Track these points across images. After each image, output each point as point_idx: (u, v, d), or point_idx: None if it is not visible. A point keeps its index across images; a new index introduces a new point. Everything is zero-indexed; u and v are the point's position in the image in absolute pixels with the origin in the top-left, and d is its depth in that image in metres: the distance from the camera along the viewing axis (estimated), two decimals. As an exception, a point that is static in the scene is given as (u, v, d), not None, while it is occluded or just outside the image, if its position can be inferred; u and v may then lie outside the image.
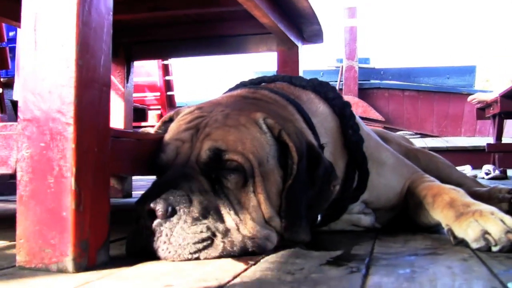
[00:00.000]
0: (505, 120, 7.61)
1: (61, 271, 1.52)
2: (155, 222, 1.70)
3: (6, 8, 3.60)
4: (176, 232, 1.69)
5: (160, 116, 9.17)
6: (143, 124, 8.35)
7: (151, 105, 9.09)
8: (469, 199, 2.16)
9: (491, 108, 7.46)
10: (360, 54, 13.54)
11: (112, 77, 4.66)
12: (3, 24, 5.50)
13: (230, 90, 2.54)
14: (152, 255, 1.71)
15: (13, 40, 7.29)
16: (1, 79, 5.70)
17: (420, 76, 13.85)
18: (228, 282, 1.42)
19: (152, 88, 9.09)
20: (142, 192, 1.83)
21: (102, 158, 1.63)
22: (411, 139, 4.04)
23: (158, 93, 9.10)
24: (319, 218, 2.24)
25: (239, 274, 1.51)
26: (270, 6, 3.47)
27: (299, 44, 4.33)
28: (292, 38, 4.13)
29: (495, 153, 7.54)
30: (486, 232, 1.92)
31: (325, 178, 1.99)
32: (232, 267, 1.62)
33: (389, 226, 2.57)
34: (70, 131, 1.53)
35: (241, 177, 1.85)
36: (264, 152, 1.91)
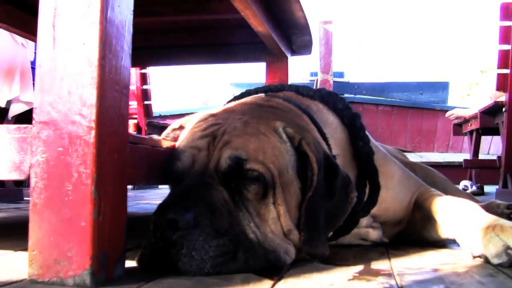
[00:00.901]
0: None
1: (78, 285, 1.41)
2: (177, 234, 1.59)
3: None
4: (198, 245, 1.59)
5: (137, 125, 9.04)
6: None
7: (132, 114, 8.94)
8: (485, 213, 2.11)
9: (469, 124, 7.50)
10: (335, 67, 13.55)
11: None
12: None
13: (236, 98, 2.45)
14: (168, 270, 1.61)
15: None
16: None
17: (394, 91, 13.93)
18: (263, 299, 1.33)
19: (130, 96, 8.94)
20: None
21: (121, 165, 1.53)
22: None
23: (135, 102, 8.96)
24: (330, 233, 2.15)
25: (270, 290, 1.43)
26: (267, 15, 3.41)
27: (288, 54, 4.28)
28: (283, 49, 4.08)
29: (472, 169, 7.58)
30: (508, 248, 1.87)
31: (343, 190, 1.92)
32: (258, 282, 1.53)
33: (396, 240, 2.50)
34: (91, 135, 1.42)
35: (261, 188, 1.76)
36: (284, 162, 1.83)
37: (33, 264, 1.46)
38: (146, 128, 9.16)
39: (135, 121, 9.07)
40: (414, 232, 2.48)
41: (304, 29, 3.98)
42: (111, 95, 1.48)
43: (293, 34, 4.14)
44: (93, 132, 1.42)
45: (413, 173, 2.88)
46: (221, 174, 1.77)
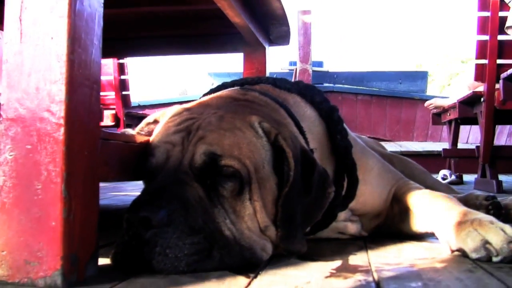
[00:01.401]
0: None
1: (49, 286, 1.37)
2: (150, 232, 1.56)
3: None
4: (172, 243, 1.56)
5: (115, 116, 8.93)
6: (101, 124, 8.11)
7: (109, 105, 8.84)
8: (464, 207, 2.10)
9: (448, 114, 7.52)
10: (314, 57, 13.53)
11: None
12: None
13: (213, 91, 2.42)
14: (143, 268, 1.57)
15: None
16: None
17: (373, 81, 13.97)
18: (238, 299, 1.31)
19: (107, 87, 8.84)
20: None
21: (92, 162, 1.49)
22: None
23: (113, 92, 8.86)
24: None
25: (245, 290, 1.40)
26: (242, 6, 3.37)
27: (266, 45, 4.24)
28: (260, 39, 4.03)
29: (451, 158, 7.61)
30: (486, 242, 1.85)
31: (320, 185, 1.90)
32: (234, 280, 1.51)
33: (375, 234, 2.49)
34: (60, 132, 1.38)
35: (237, 184, 1.73)
36: (260, 158, 1.80)
37: (3, 265, 1.42)
38: (124, 118, 9.08)
39: (113, 111, 8.98)
40: (393, 225, 2.46)
41: (281, 19, 3.95)
42: (81, 91, 1.44)
43: (271, 25, 4.10)
44: (62, 129, 1.38)
45: (391, 166, 2.87)
46: (196, 170, 1.73)
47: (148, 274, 1.55)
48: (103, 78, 8.87)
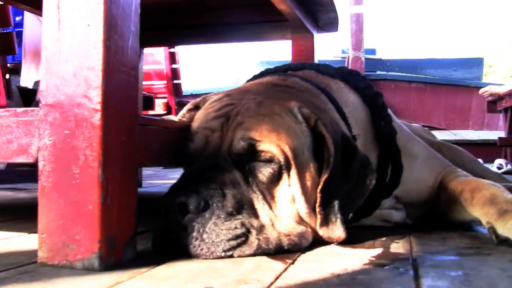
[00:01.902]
0: (516, 114, 7.48)
1: (87, 269, 1.40)
2: (187, 218, 1.57)
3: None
4: (209, 228, 1.57)
5: (167, 104, 9.04)
6: (150, 112, 8.22)
7: (158, 93, 8.95)
8: (511, 196, 2.04)
9: (503, 101, 7.33)
10: (367, 44, 13.38)
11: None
12: (10, 8, 5.37)
13: (255, 77, 2.41)
14: (181, 252, 1.58)
15: (20, 25, 7.05)
16: (8, 65, 5.56)
17: (427, 68, 13.69)
18: (271, 283, 1.30)
19: (158, 76, 8.96)
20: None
21: (130, 147, 1.51)
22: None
23: (165, 81, 8.96)
24: (351, 214, 2.10)
25: (280, 275, 1.39)
26: (289, -8, 3.35)
27: (314, 32, 4.20)
28: (308, 26, 4.00)
29: (506, 147, 7.42)
30: (534, 232, 1.80)
31: (361, 172, 1.87)
32: (270, 266, 1.50)
33: (420, 222, 2.45)
34: (97, 118, 1.40)
35: (275, 170, 1.72)
36: (299, 143, 1.78)
37: (43, 247, 1.45)
38: (176, 107, 9.18)
39: (165, 100, 9.09)
40: (439, 214, 2.42)
41: (328, 5, 3.90)
42: (117, 77, 1.46)
43: (318, 11, 4.06)
44: (99, 115, 1.40)
45: (439, 153, 2.81)
46: (234, 156, 1.73)
47: (185, 259, 1.56)
48: (153, 67, 8.98)
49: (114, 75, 1.44)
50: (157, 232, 1.66)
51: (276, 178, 1.73)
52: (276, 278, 1.35)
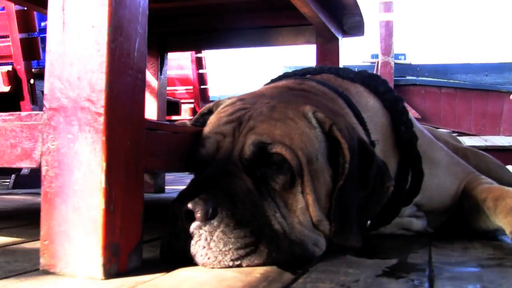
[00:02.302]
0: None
1: (89, 277, 1.36)
2: (194, 225, 1.52)
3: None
4: (216, 237, 1.51)
5: (193, 110, 9.02)
6: (175, 118, 8.20)
7: (184, 99, 8.94)
8: (537, 204, 1.95)
9: (535, 106, 7.16)
10: (396, 49, 13.22)
11: (146, 68, 4.52)
12: (35, 14, 5.40)
13: (273, 81, 2.36)
14: (189, 260, 1.54)
15: (45, 30, 7.11)
16: (33, 70, 5.60)
17: (458, 73, 13.43)
18: (277, 296, 1.25)
19: (185, 81, 8.95)
20: (174, 187, 1.66)
21: (135, 152, 1.46)
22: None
23: (191, 87, 8.95)
24: (368, 221, 2.03)
25: (288, 286, 1.34)
26: (312, -4, 3.29)
27: (339, 36, 4.13)
28: (333, 30, 3.94)
29: (539, 154, 7.24)
30: (559, 242, 1.72)
31: (378, 179, 1.80)
32: (279, 276, 1.45)
33: (442, 231, 2.37)
34: (100, 122, 1.36)
35: (288, 177, 1.67)
36: (313, 149, 1.72)
37: (45, 254, 1.42)
38: (203, 112, 9.15)
39: (191, 105, 9.08)
40: (462, 222, 2.34)
41: (353, 9, 3.84)
42: (122, 80, 1.42)
43: (343, 15, 4.00)
44: (102, 119, 1.36)
45: (465, 159, 2.73)
46: (245, 162, 1.68)
47: (192, 268, 1.52)
48: (180, 72, 8.99)
49: (119, 78, 1.41)
50: (164, 240, 1.62)
51: (288, 185, 1.67)
52: (283, 290, 1.30)
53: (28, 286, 1.28)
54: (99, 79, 1.37)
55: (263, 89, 2.07)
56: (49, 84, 1.44)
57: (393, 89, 2.33)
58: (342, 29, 4.22)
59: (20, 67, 5.36)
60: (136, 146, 1.46)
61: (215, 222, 1.52)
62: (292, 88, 2.06)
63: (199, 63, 9.00)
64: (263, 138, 1.68)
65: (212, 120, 1.89)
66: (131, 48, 1.46)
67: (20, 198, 3.94)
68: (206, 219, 1.52)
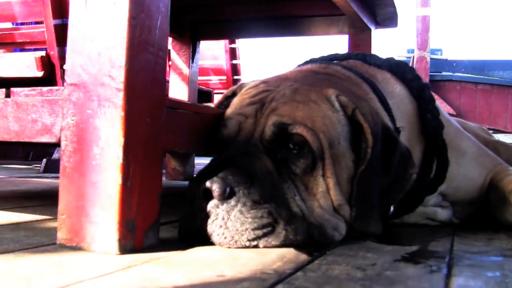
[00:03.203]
0: None
1: (104, 252, 1.36)
2: (211, 204, 1.52)
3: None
4: (233, 216, 1.51)
5: (226, 100, 9.00)
6: (207, 107, 8.16)
7: (217, 89, 8.94)
8: None
9: None
10: (432, 44, 13.04)
11: (177, 57, 4.55)
12: (69, 0, 5.45)
13: (299, 66, 2.34)
14: (206, 240, 1.53)
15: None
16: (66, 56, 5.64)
17: (495, 69, 13.19)
18: (290, 275, 1.23)
19: (218, 71, 8.96)
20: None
21: (155, 130, 1.46)
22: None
23: (225, 77, 8.93)
24: (392, 209, 2.00)
25: (302, 267, 1.33)
26: (343, -16, 3.26)
27: (372, 27, 4.08)
28: (365, 20, 3.89)
29: None
30: None
31: (401, 165, 1.77)
32: (295, 257, 1.44)
33: (467, 222, 2.33)
34: (119, 97, 1.37)
35: (309, 160, 1.65)
36: (335, 132, 1.70)
37: (62, 228, 1.43)
38: (235, 103, 9.14)
39: (224, 96, 9.08)
40: (489, 214, 2.29)
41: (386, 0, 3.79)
42: (143, 57, 1.42)
43: (376, 5, 3.95)
44: (121, 94, 1.36)
45: (495, 152, 2.67)
46: (266, 143, 1.67)
47: (208, 247, 1.51)
48: (213, 62, 9.00)
49: (139, 54, 1.41)
50: (182, 220, 1.62)
51: (309, 168, 1.66)
52: (297, 270, 1.28)
53: (42, 259, 1.29)
54: (119, 55, 1.38)
55: (288, 73, 2.06)
56: (70, 59, 1.45)
57: (420, 76, 2.29)
58: (375, 20, 4.18)
59: (54, 52, 5.39)
60: (155, 123, 1.47)
61: (232, 202, 1.52)
62: (316, 71, 2.04)
63: (233, 53, 8.98)
64: (284, 120, 1.67)
65: (235, 101, 1.88)
66: (152, 25, 1.46)
67: (49, 181, 3.99)
68: (224, 198, 1.51)
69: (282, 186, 1.63)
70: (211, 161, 1.69)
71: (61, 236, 1.43)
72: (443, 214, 2.26)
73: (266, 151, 1.67)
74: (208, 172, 1.57)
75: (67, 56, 1.45)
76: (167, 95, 1.92)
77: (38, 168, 5.34)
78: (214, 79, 9.13)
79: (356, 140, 1.74)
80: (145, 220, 1.44)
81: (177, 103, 1.65)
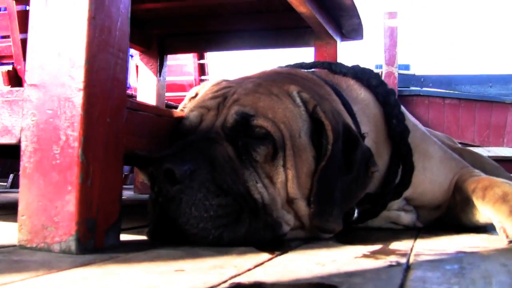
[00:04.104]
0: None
1: (64, 251, 1.36)
2: (175, 188, 1.50)
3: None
4: (198, 201, 1.50)
5: (195, 115, 9.01)
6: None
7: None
8: (525, 195, 1.94)
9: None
10: (400, 60, 13.22)
11: (145, 70, 4.55)
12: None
13: (264, 72, 2.37)
14: (174, 235, 1.54)
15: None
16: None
17: (462, 84, 13.40)
18: (248, 270, 1.24)
19: (188, 87, 8.98)
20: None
21: (115, 130, 1.47)
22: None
23: (193, 93, 8.99)
24: (355, 214, 2.02)
25: (262, 263, 1.33)
26: (308, -5, 3.29)
27: (337, 39, 4.13)
28: (331, 32, 3.94)
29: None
30: (544, 231, 1.71)
31: (362, 163, 1.80)
32: (255, 255, 1.44)
33: (431, 226, 2.36)
34: (79, 97, 1.37)
35: (270, 148, 1.66)
36: (296, 126, 1.72)
37: (22, 229, 1.42)
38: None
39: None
40: (455, 217, 2.32)
41: (351, 11, 3.84)
42: (102, 57, 1.42)
43: (341, 17, 4.00)
44: (81, 94, 1.37)
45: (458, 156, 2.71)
46: (228, 130, 1.68)
47: (170, 247, 1.51)
48: (183, 78, 9.02)
49: (98, 54, 1.41)
50: (149, 206, 1.60)
51: (270, 157, 1.67)
52: (256, 266, 1.29)
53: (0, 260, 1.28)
54: (79, 55, 1.38)
55: (251, 74, 2.08)
56: (30, 60, 1.45)
57: (385, 82, 2.33)
58: (341, 32, 4.23)
59: (21, 67, 5.37)
60: (116, 123, 1.47)
61: (195, 185, 1.51)
62: (279, 72, 2.08)
63: (202, 69, 9.01)
64: (246, 110, 1.68)
65: (197, 98, 1.90)
66: (112, 26, 1.46)
67: (16, 196, 3.94)
68: (186, 181, 1.50)
69: (244, 173, 1.64)
70: (172, 146, 1.67)
71: (21, 237, 1.41)
72: (407, 218, 2.28)
73: (227, 138, 1.68)
74: (167, 155, 1.55)
75: (27, 56, 1.45)
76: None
77: (5, 184, 5.28)
78: (183, 95, 9.14)
79: (317, 137, 1.76)
80: (105, 220, 1.43)
81: (138, 105, 1.65)
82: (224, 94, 1.79)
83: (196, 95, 2.03)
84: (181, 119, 1.82)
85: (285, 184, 1.66)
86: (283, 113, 1.71)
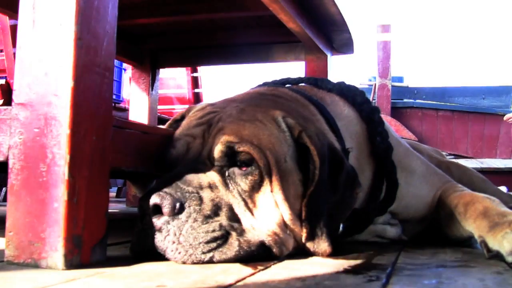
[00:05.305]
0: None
1: (51, 267, 1.38)
2: (162, 220, 1.55)
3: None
4: (186, 231, 1.54)
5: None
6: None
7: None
8: (505, 209, 1.98)
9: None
10: (394, 72, 13.29)
11: (137, 85, 4.59)
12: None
13: (252, 89, 2.41)
14: (159, 256, 1.56)
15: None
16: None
17: (455, 96, 13.50)
18: (230, 285, 1.27)
19: (181, 100, 9.03)
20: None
21: (101, 148, 1.50)
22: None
23: (187, 106, 9.02)
24: (341, 228, 2.05)
25: (243, 278, 1.36)
26: (298, 11, 3.33)
27: (328, 53, 4.17)
28: (321, 47, 3.98)
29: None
30: (524, 244, 1.74)
31: (347, 185, 1.83)
32: (238, 271, 1.47)
33: (417, 239, 2.39)
34: (65, 116, 1.40)
35: (256, 176, 1.69)
36: (282, 151, 1.75)
37: (10, 245, 1.45)
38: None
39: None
40: (439, 230, 2.36)
41: (341, 26, 3.88)
42: (89, 77, 1.46)
43: (331, 32, 4.04)
44: (67, 113, 1.40)
45: (447, 172, 2.76)
46: (214, 161, 1.72)
47: (155, 262, 1.54)
48: (175, 91, 9.06)
49: (85, 74, 1.45)
50: (134, 237, 1.64)
51: (257, 184, 1.70)
52: (237, 281, 1.32)
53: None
54: (66, 75, 1.41)
55: (235, 96, 2.11)
56: (18, 79, 1.48)
57: (370, 100, 2.37)
58: (332, 46, 4.27)
59: (14, 81, 5.40)
60: (102, 141, 1.50)
61: (183, 217, 1.55)
62: (263, 93, 2.10)
63: (195, 82, 9.07)
64: (231, 138, 1.71)
65: (183, 124, 1.93)
66: (98, 47, 1.50)
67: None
68: (174, 214, 1.55)
69: (231, 202, 1.67)
70: (161, 178, 1.73)
71: (8, 253, 1.44)
72: (392, 231, 2.31)
73: (214, 168, 1.71)
74: (157, 189, 1.60)
75: (15, 76, 1.48)
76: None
77: (-2, 198, 5.30)
78: (177, 108, 9.17)
79: (303, 161, 1.80)
80: (92, 236, 1.46)
81: (124, 123, 1.69)
82: (209, 121, 1.82)
83: (182, 118, 2.06)
84: (167, 137, 1.85)
85: (275, 208, 1.69)
86: (268, 139, 1.74)
